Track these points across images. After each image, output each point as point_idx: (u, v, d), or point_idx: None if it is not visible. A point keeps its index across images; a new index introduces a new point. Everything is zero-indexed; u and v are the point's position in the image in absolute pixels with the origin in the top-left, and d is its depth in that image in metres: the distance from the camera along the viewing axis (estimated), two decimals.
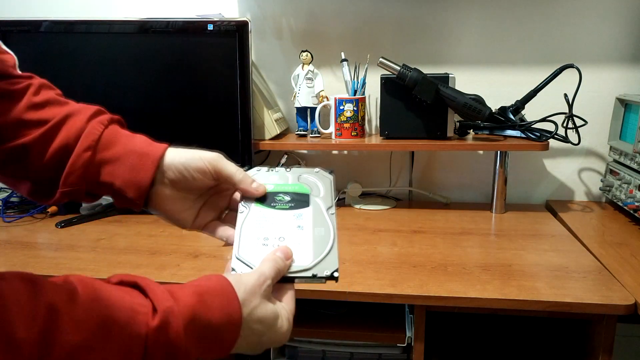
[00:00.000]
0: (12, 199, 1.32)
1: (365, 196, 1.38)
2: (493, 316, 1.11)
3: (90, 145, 0.53)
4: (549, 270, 0.89)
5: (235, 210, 0.57)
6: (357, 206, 1.31)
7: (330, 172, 0.60)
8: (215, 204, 0.60)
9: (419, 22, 1.30)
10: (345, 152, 1.40)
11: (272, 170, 0.60)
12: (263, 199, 0.56)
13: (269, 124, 1.24)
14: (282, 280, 0.49)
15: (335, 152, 1.40)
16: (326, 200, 0.57)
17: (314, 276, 0.50)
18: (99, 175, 0.54)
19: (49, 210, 1.27)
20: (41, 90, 0.56)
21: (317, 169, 0.60)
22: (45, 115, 0.54)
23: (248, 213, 0.55)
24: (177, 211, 0.57)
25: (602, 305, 0.77)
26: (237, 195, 0.59)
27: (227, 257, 0.96)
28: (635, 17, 1.23)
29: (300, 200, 0.56)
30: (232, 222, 0.58)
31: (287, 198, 0.56)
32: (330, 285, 0.85)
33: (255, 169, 0.59)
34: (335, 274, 0.50)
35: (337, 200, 1.35)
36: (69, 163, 0.53)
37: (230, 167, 0.56)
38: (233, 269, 0.50)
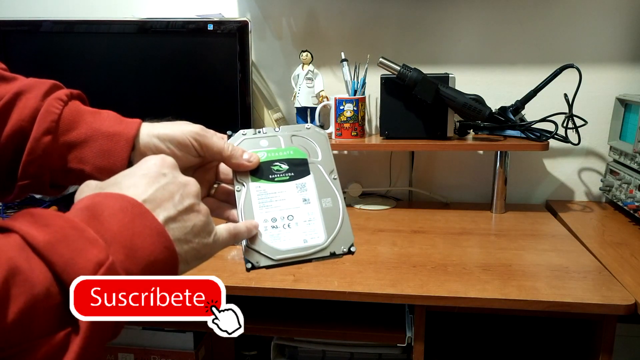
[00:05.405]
0: None
1: (365, 196, 1.38)
2: (493, 316, 1.11)
3: (49, 127, 0.45)
4: (549, 270, 0.89)
5: (226, 182, 0.52)
6: (357, 206, 1.31)
7: (322, 126, 0.55)
8: (202, 179, 0.51)
9: (419, 22, 1.30)
10: (345, 152, 1.40)
11: (259, 133, 0.53)
12: (258, 170, 0.50)
13: (269, 124, 1.24)
14: (299, 262, 0.47)
15: (335, 152, 1.39)
16: (326, 164, 0.52)
17: (332, 254, 0.47)
18: (65, 162, 0.47)
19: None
20: None
21: (308, 125, 0.55)
22: None
23: (246, 192, 0.49)
24: None
25: (602, 305, 0.77)
26: (223, 164, 0.53)
27: (227, 257, 0.96)
28: (635, 17, 1.23)
29: (299, 168, 0.51)
30: (226, 198, 0.52)
31: (285, 166, 0.51)
32: (330, 285, 0.85)
33: (240, 132, 0.53)
34: (352, 249, 0.47)
35: None
36: (27, 150, 0.45)
37: (217, 142, 0.49)
38: (248, 261, 0.46)
